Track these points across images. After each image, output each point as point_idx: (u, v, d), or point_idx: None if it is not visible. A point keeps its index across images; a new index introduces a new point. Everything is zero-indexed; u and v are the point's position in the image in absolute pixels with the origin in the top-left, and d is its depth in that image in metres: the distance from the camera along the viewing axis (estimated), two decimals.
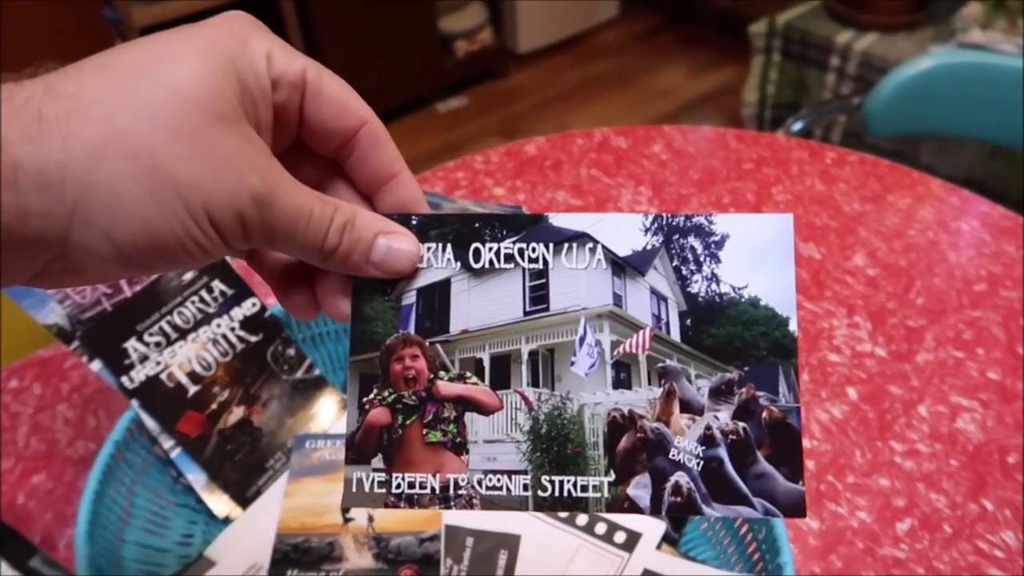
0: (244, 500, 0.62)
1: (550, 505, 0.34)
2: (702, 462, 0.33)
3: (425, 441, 0.34)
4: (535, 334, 0.36)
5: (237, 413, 0.63)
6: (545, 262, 0.35)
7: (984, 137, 1.18)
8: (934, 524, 0.60)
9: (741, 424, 0.33)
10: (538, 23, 2.86)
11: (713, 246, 0.35)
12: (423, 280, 0.35)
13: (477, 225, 0.35)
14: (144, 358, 0.60)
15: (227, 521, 0.61)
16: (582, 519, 0.58)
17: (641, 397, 0.34)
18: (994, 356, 0.72)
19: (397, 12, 2.44)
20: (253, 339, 0.65)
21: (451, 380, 0.35)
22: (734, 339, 0.34)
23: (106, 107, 0.25)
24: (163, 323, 0.61)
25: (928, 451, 0.65)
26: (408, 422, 0.35)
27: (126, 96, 0.25)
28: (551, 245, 0.35)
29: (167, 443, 0.60)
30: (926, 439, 0.66)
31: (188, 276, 0.63)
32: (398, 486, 0.34)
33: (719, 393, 0.34)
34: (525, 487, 0.34)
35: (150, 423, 0.60)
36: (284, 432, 0.64)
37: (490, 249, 0.35)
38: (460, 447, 0.34)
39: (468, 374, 0.35)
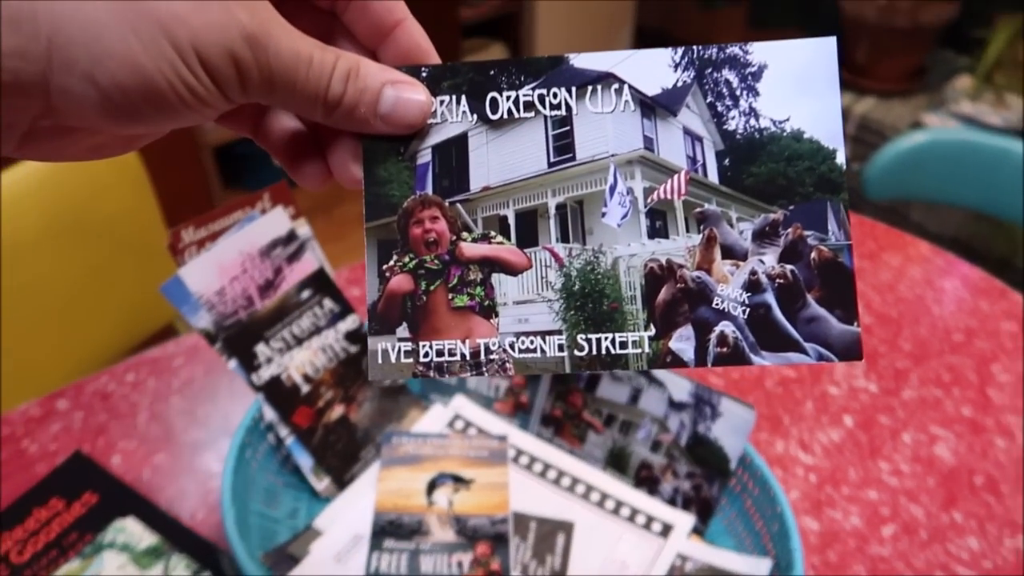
0: (341, 483, 0.74)
1: (588, 364, 0.32)
2: (748, 309, 0.32)
3: (451, 306, 0.33)
4: (562, 186, 0.34)
5: (338, 411, 0.76)
6: (568, 108, 0.33)
7: (968, 205, 1.32)
8: (912, 530, 0.73)
9: (788, 267, 0.32)
10: None
11: (750, 78, 0.32)
12: (438, 136, 0.33)
13: (492, 72, 0.33)
14: (269, 360, 0.73)
15: (327, 500, 0.73)
16: (625, 511, 0.71)
17: (679, 245, 0.33)
18: (967, 395, 0.86)
19: None
20: (353, 349, 0.77)
21: (475, 241, 0.33)
22: (777, 176, 0.32)
23: None
24: (285, 332, 0.74)
25: (909, 471, 0.78)
26: (432, 287, 0.33)
27: None
28: (574, 89, 0.33)
29: (283, 431, 0.73)
30: (908, 461, 0.79)
31: (305, 294, 0.75)
32: (426, 355, 0.32)
33: (763, 235, 0.32)
34: (560, 347, 0.32)
35: (270, 414, 0.72)
36: (375, 429, 0.77)
37: (508, 98, 0.33)
38: (489, 310, 0.33)
39: (492, 233, 0.33)
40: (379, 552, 0.66)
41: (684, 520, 0.69)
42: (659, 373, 0.73)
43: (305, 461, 0.73)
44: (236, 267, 0.73)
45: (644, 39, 3.23)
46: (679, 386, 0.72)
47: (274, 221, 0.75)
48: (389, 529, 0.68)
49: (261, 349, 0.72)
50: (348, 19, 0.31)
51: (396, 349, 0.32)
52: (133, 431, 0.82)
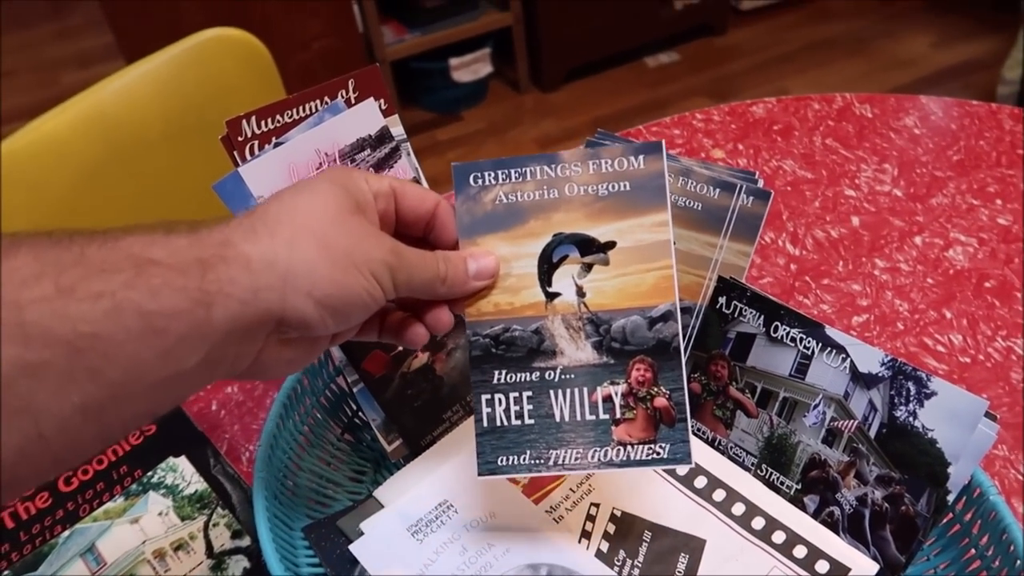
0: (417, 448, 0.60)
1: (760, 479, 0.53)
2: (852, 510, 0.50)
3: (712, 413, 0.55)
4: (791, 388, 0.53)
5: (422, 359, 0.61)
6: (812, 351, 0.52)
7: None
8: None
9: (886, 505, 0.49)
10: None
11: (923, 395, 0.47)
12: (743, 329, 0.54)
13: (782, 312, 0.52)
14: None
15: (397, 465, 0.59)
16: (779, 536, 0.51)
17: (835, 456, 0.51)
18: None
19: None
20: None
21: (737, 389, 0.54)
22: (908, 456, 0.48)
23: (289, 216, 0.37)
24: None
25: (908, 269, 0.69)
26: (708, 397, 0.56)
27: (296, 210, 0.38)
28: (821, 344, 0.51)
29: (351, 377, 0.59)
30: (911, 261, 0.70)
31: None
32: (696, 428, 0.56)
33: (881, 480, 0.49)
34: (752, 464, 0.54)
35: (338, 354, 0.59)
36: (465, 385, 0.62)
37: (784, 330, 0.52)
38: (728, 424, 0.55)
39: (746, 390, 0.54)
40: (488, 393, 0.44)
41: (864, 565, 0.48)
42: (839, 335, 0.51)
43: (374, 416, 0.60)
44: (310, 170, 0.59)
45: None
46: (865, 353, 0.50)
47: (362, 116, 0.60)
48: (497, 351, 0.45)
49: None
50: (434, 239, 0.46)
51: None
52: None
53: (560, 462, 0.44)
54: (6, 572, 0.56)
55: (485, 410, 0.45)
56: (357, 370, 0.59)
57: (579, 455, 0.44)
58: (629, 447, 0.43)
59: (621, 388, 0.44)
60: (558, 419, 0.44)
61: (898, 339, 0.66)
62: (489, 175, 0.47)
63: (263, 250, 0.35)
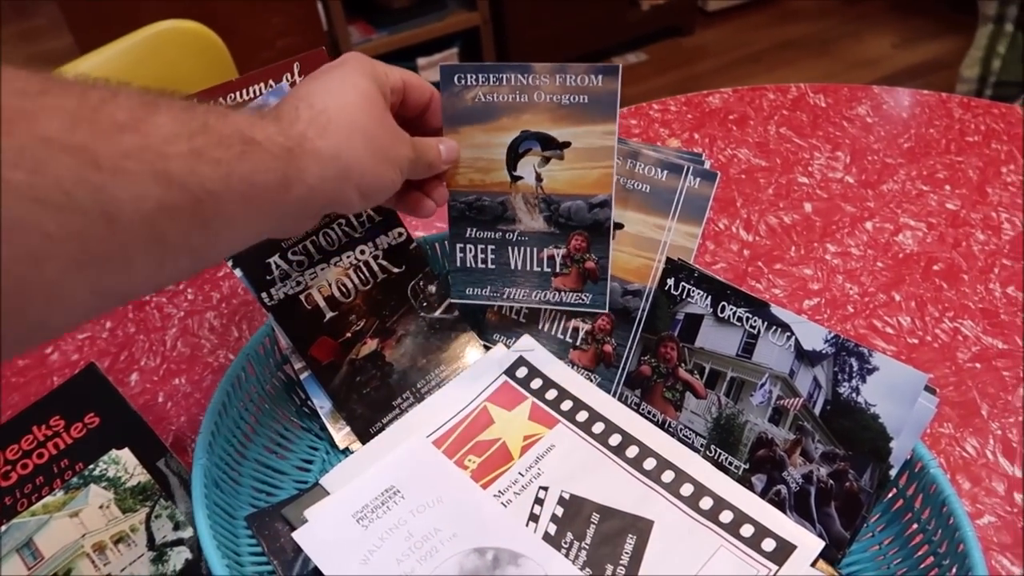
0: (366, 435, 0.59)
1: (709, 460, 0.53)
2: (799, 488, 0.50)
3: (663, 395, 0.56)
4: (738, 368, 0.53)
5: (370, 345, 0.60)
6: (759, 331, 0.52)
7: None
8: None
9: (831, 481, 0.49)
10: None
11: (865, 371, 0.48)
12: (691, 310, 0.55)
13: (728, 292, 0.53)
14: (286, 276, 0.58)
15: (347, 452, 0.59)
16: (726, 516, 0.51)
17: (781, 434, 0.52)
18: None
19: None
20: (395, 270, 0.61)
21: (686, 370, 0.55)
22: (852, 431, 0.49)
23: (347, 116, 0.43)
24: (308, 243, 0.59)
25: (859, 254, 0.69)
26: (658, 380, 0.57)
27: (351, 109, 0.44)
28: (767, 323, 0.52)
29: (298, 364, 0.59)
30: (861, 245, 0.70)
31: None
32: (647, 411, 0.57)
33: (827, 457, 0.50)
34: (701, 446, 0.55)
35: (284, 342, 0.58)
36: (415, 372, 0.61)
37: (731, 310, 0.53)
38: (678, 406, 0.56)
39: (695, 372, 0.55)
40: (461, 243, 0.59)
41: (810, 543, 0.48)
42: (784, 313, 0.51)
43: (322, 403, 0.59)
44: None
45: None
46: (810, 331, 0.50)
47: None
48: (469, 214, 0.59)
49: (276, 261, 0.58)
50: (426, 120, 0.55)
51: (628, 399, 0.58)
52: (159, 347, 0.71)
53: (511, 297, 0.59)
54: None
55: (458, 255, 0.59)
56: (304, 357, 0.59)
57: (525, 293, 0.59)
58: (562, 293, 0.58)
59: (562, 251, 0.58)
60: (512, 267, 0.58)
61: (848, 321, 0.66)
62: (471, 76, 0.57)
63: (330, 145, 0.42)
